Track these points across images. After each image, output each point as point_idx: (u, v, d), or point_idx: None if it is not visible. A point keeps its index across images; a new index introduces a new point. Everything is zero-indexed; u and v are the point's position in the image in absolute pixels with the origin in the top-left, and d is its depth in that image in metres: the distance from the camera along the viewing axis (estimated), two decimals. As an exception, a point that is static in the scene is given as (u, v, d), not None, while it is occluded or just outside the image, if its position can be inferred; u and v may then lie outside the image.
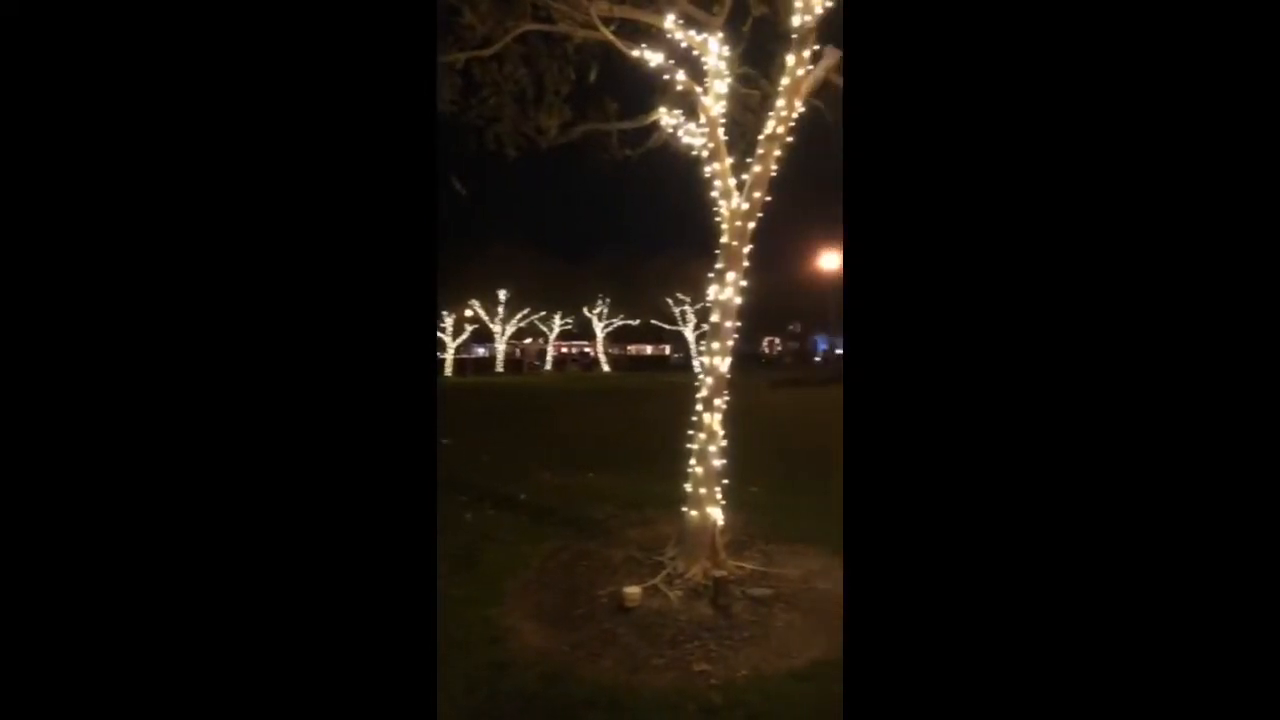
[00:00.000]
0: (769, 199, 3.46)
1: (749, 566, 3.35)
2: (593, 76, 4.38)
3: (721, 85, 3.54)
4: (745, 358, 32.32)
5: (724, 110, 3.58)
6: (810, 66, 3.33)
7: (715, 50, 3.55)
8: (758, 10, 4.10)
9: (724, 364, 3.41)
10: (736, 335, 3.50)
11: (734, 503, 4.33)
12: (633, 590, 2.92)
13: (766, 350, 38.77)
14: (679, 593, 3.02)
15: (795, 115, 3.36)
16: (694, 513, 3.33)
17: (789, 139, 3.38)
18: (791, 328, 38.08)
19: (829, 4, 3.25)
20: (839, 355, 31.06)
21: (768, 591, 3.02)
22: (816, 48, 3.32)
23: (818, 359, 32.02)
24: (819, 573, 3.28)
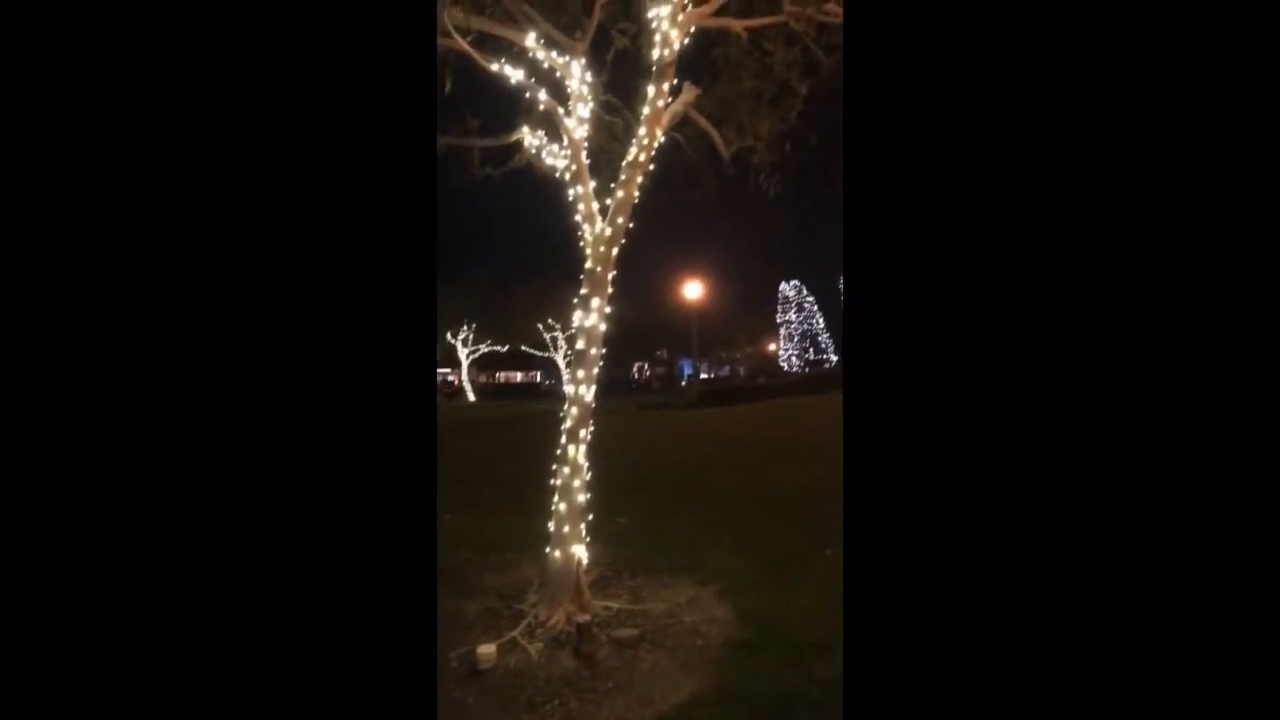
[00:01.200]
0: (632, 225, 3.44)
1: (615, 605, 3.20)
2: (448, 88, 4.12)
3: (584, 109, 3.49)
4: (617, 382, 32.70)
5: (587, 134, 3.53)
6: (670, 99, 3.41)
7: (578, 74, 3.50)
8: (620, 42, 4.16)
9: (589, 393, 3.28)
10: (602, 362, 3.39)
11: (601, 536, 4.18)
12: (487, 650, 2.62)
13: (636, 375, 39.66)
14: (539, 645, 2.77)
15: (656, 144, 3.40)
16: (557, 553, 3.11)
17: (650, 167, 3.41)
18: (659, 353, 39.42)
19: (685, 41, 3.36)
20: (702, 379, 32.65)
21: (633, 632, 2.88)
22: (675, 82, 3.41)
23: (684, 383, 33.37)
24: (686, 605, 3.22)
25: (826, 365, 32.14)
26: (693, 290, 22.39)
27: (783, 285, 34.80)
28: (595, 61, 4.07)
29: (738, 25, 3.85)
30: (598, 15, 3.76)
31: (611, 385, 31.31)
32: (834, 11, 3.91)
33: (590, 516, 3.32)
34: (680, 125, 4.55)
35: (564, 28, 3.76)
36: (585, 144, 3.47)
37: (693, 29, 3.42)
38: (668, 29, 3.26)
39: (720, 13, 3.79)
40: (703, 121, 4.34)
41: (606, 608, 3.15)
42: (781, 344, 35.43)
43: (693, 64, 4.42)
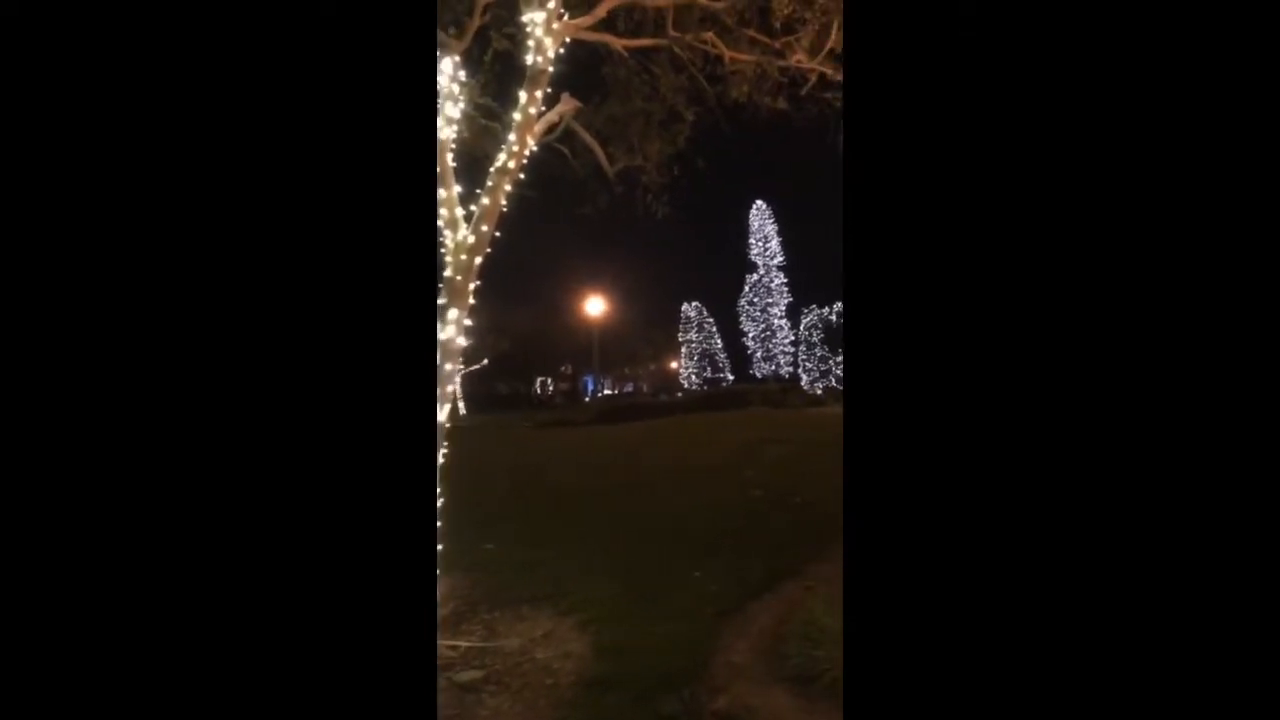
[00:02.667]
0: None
1: (464, 644, 2.94)
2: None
3: (453, 108, 3.28)
4: (520, 398, 31.74)
5: (454, 135, 3.32)
6: (543, 108, 3.30)
7: (449, 71, 3.29)
8: (500, 44, 4.02)
9: (442, 412, 3.03)
10: (459, 379, 3.16)
11: (463, 566, 3.89)
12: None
13: (539, 391, 38.86)
14: (365, 696, 2.46)
15: (528, 152, 3.27)
16: (398, 589, 2.81)
17: (521, 176, 3.27)
18: (563, 369, 38.95)
19: (561, 51, 3.28)
20: (607, 395, 32.62)
21: (478, 674, 2.65)
22: (549, 91, 3.31)
23: (586, 399, 33.12)
24: (542, 639, 3.03)
25: (724, 384, 33.38)
26: (595, 306, 22.36)
27: (684, 306, 35.85)
28: (473, 63, 3.90)
29: (617, 43, 3.84)
30: (479, 18, 3.59)
31: (514, 401, 30.35)
32: (714, 41, 4.03)
33: (441, 547, 3.05)
34: (568, 139, 4.47)
35: (443, 24, 3.55)
36: (452, 145, 3.26)
37: (568, 40, 3.35)
38: (541, 36, 3.17)
39: (606, 29, 3.77)
40: (586, 136, 4.28)
41: (454, 647, 2.89)
42: (683, 362, 36.36)
43: (585, 79, 4.38)
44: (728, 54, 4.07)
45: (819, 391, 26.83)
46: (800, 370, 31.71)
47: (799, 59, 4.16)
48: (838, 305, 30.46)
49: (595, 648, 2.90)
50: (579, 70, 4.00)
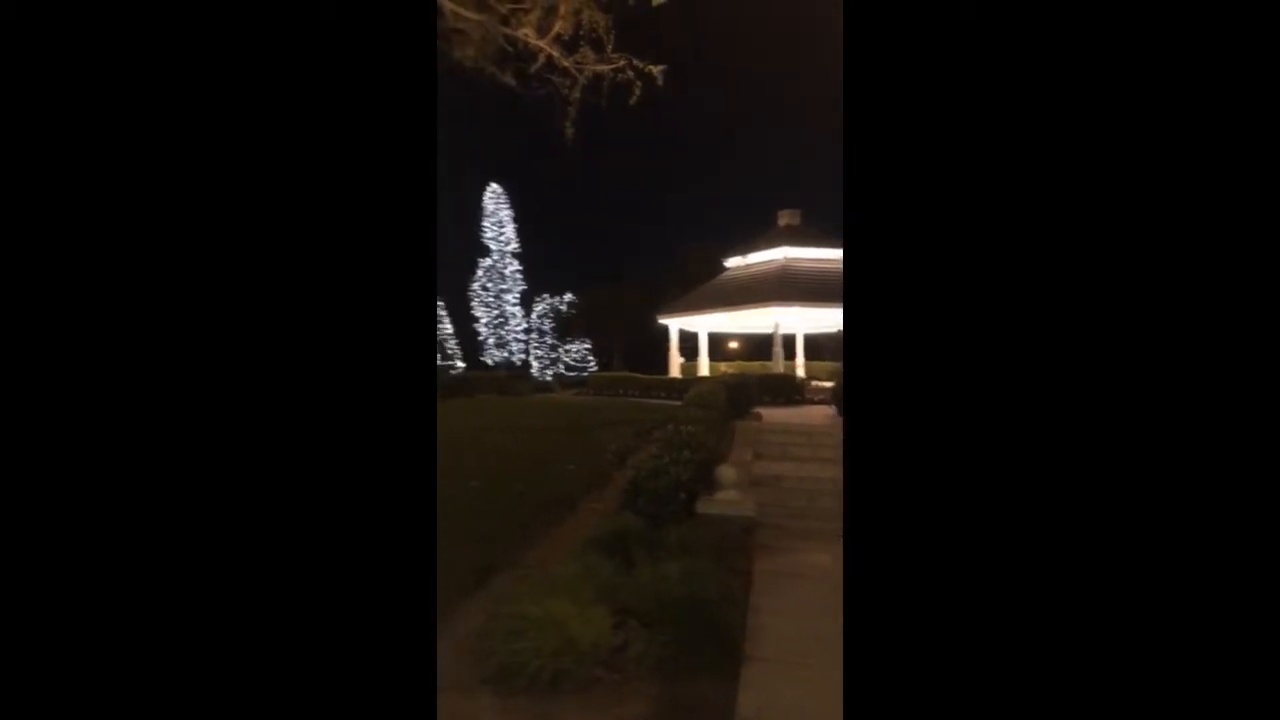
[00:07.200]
0: None
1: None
2: None
3: None
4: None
5: None
6: None
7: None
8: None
9: None
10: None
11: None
12: None
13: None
14: None
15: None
16: None
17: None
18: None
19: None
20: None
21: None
22: None
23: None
24: None
25: (453, 371, 31.93)
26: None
27: (411, 285, 32.82)
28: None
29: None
30: None
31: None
32: (431, -15, 3.60)
33: None
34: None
35: None
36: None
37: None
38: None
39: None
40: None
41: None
42: (407, 347, 33.33)
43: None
44: (449, 4, 3.69)
45: (549, 378, 27.72)
46: (531, 358, 32.26)
47: (525, 33, 4.03)
48: (569, 295, 31.88)
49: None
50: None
